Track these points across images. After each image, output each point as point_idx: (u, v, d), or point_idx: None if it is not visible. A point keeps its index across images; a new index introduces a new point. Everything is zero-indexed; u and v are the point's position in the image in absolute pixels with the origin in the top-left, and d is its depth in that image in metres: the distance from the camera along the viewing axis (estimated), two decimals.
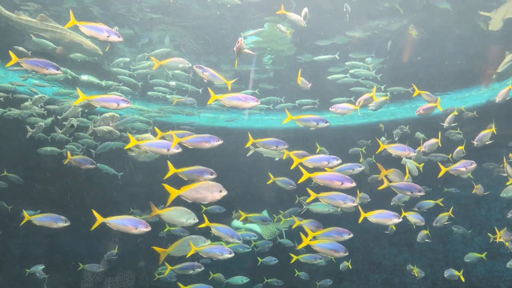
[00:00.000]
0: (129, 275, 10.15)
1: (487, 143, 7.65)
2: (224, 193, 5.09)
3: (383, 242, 13.67)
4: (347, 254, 5.66)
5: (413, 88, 7.51)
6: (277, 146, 6.36)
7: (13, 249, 12.26)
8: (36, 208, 11.30)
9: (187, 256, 6.02)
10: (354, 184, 5.64)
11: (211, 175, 5.33)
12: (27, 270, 9.12)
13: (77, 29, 4.91)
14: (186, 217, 5.46)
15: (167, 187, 4.98)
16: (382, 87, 10.40)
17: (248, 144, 6.79)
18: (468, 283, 12.59)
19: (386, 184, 6.30)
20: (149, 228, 5.05)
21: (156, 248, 5.88)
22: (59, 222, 5.77)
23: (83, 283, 9.77)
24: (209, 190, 5.00)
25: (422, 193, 6.20)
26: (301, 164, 5.97)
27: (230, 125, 14.65)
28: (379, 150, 6.92)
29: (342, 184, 5.60)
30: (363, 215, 5.87)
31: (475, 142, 7.60)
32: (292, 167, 5.97)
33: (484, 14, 9.13)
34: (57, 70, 4.94)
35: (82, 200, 12.53)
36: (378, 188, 6.64)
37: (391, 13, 9.18)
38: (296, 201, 9.34)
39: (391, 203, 8.29)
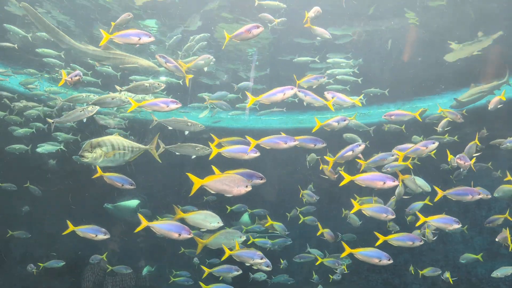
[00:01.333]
0: (130, 274, 10.18)
1: (475, 155, 7.69)
2: (249, 188, 4.97)
3: (383, 242, 13.66)
4: (391, 261, 5.64)
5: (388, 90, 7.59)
6: (315, 145, 6.16)
7: (13, 249, 12.27)
8: (38, 208, 11.38)
9: (222, 260, 6.03)
10: (396, 183, 5.56)
11: (261, 179, 5.30)
12: (40, 264, 9.14)
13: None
14: (211, 220, 5.46)
15: (191, 176, 4.85)
16: (359, 80, 10.43)
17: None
18: (468, 284, 12.62)
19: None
20: (191, 235, 5.04)
21: (196, 238, 5.80)
22: (99, 234, 5.88)
23: (84, 282, 9.80)
24: (236, 183, 4.89)
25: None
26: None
27: (231, 125, 14.69)
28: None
29: (384, 183, 5.54)
30: (422, 219, 5.99)
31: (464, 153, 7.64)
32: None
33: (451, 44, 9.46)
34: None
35: (83, 200, 12.55)
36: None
37: (394, 13, 9.20)
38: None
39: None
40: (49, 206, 11.31)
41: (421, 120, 7.78)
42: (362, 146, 6.10)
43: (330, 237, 8.89)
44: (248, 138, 5.51)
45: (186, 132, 7.40)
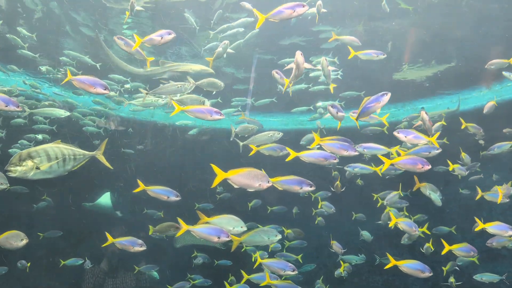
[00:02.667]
0: (130, 276, 10.16)
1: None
2: (270, 184, 4.97)
3: (384, 243, 13.64)
4: (431, 274, 5.72)
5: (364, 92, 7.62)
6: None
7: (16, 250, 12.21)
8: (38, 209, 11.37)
9: (254, 267, 6.02)
10: (430, 166, 5.63)
11: (311, 187, 5.30)
12: (61, 261, 9.19)
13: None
14: (234, 225, 5.46)
15: (215, 168, 4.84)
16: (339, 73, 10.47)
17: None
18: (469, 284, 12.56)
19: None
20: (230, 238, 5.08)
21: (232, 237, 5.73)
22: (135, 246, 5.96)
23: (84, 283, 9.78)
24: (259, 178, 4.86)
25: None
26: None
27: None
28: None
29: (423, 167, 5.58)
30: (481, 225, 6.14)
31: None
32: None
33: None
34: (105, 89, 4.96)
35: (84, 200, 12.57)
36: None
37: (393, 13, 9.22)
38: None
39: (385, 203, 8.33)
40: (50, 208, 11.29)
41: (388, 125, 7.83)
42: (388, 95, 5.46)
43: (338, 249, 8.98)
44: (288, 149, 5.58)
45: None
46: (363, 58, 6.96)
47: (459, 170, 7.88)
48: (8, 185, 5.23)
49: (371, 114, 5.56)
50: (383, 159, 5.77)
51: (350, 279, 13.66)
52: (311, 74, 10.02)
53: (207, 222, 5.34)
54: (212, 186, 4.98)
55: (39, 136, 10.44)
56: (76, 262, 9.27)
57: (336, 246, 8.94)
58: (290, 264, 5.89)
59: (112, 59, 10.04)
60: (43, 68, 10.63)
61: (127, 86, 10.46)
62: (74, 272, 9.98)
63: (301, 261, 9.47)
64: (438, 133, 6.18)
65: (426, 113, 6.28)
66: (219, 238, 4.99)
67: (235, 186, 4.90)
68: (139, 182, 5.83)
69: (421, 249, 8.68)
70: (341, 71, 10.53)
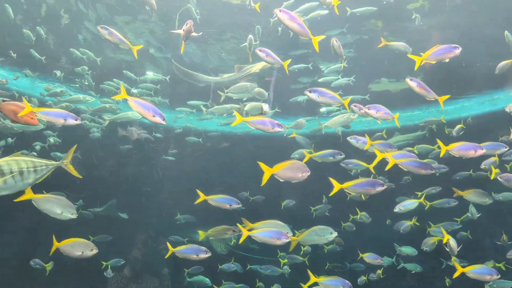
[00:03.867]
0: (153, 281, 10.25)
1: None
2: (309, 173, 5.14)
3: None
4: (499, 277, 5.81)
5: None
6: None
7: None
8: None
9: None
10: (484, 150, 5.81)
11: (382, 186, 5.50)
12: (103, 262, 9.36)
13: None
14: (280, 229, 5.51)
15: (262, 165, 5.03)
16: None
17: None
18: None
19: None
20: (289, 239, 5.26)
21: (291, 237, 5.78)
22: (200, 253, 5.87)
23: None
24: (300, 170, 5.07)
25: None
26: None
27: (255, 132, 14.71)
28: None
29: (476, 152, 5.77)
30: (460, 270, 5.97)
31: None
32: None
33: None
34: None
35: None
36: None
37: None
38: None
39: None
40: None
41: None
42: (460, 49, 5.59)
43: (374, 260, 8.85)
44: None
45: None
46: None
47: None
48: (77, 214, 5.19)
49: (440, 59, 5.52)
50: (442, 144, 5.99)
51: (375, 285, 13.50)
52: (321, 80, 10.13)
53: (251, 229, 5.43)
54: (262, 184, 5.05)
55: (51, 139, 10.69)
56: (118, 262, 9.42)
57: (370, 258, 8.60)
58: (346, 281, 5.98)
59: (186, 72, 10.32)
60: (58, 73, 10.82)
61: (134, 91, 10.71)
62: (98, 278, 10.14)
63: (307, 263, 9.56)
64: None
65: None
66: (280, 240, 5.14)
67: (281, 180, 5.08)
68: (199, 192, 5.89)
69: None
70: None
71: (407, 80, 5.56)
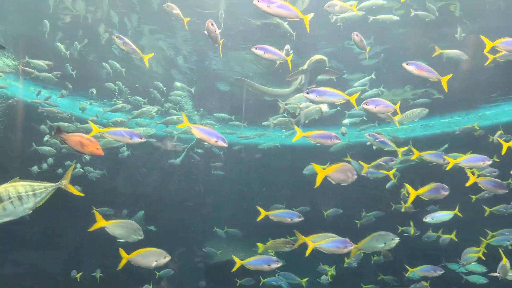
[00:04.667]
0: None
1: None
2: (356, 176, 5.35)
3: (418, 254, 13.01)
4: None
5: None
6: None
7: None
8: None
9: None
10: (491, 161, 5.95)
11: (446, 191, 5.81)
12: (157, 272, 9.58)
13: None
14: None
15: (316, 166, 5.22)
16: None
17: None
18: None
19: None
20: (354, 246, 5.37)
21: (355, 245, 5.73)
22: (272, 263, 5.81)
23: None
24: (350, 172, 5.27)
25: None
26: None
27: (294, 143, 14.72)
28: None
29: (484, 163, 5.94)
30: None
31: None
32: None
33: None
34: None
35: (154, 220, 13.13)
36: None
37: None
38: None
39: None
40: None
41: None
42: None
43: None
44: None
45: None
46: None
47: None
48: (143, 236, 5.36)
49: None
50: (449, 158, 5.96)
51: None
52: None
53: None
54: (316, 186, 5.18)
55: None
56: (169, 273, 9.65)
57: (425, 271, 8.03)
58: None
59: (258, 87, 10.57)
60: (94, 91, 11.19)
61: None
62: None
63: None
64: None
65: None
66: (346, 248, 5.27)
67: (333, 182, 5.24)
68: (260, 209, 5.97)
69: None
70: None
71: (403, 65, 5.49)
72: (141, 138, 5.03)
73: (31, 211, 4.68)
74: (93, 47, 10.41)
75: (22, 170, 11.17)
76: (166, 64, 11.18)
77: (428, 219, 6.76)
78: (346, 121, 11.06)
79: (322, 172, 5.11)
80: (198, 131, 4.90)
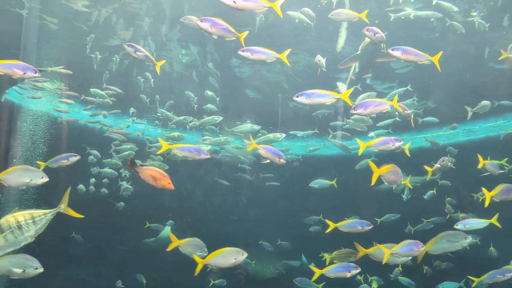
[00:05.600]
0: None
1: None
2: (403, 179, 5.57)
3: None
4: None
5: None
6: None
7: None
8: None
9: None
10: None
11: None
12: (212, 280, 9.84)
13: None
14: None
15: (372, 164, 5.42)
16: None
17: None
18: None
19: None
20: (423, 248, 5.45)
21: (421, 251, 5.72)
22: (352, 270, 5.79)
23: None
24: (400, 175, 5.46)
25: None
26: None
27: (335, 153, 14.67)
28: None
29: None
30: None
31: None
32: None
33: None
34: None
35: (197, 234, 13.40)
36: None
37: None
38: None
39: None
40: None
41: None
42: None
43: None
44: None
45: None
46: None
47: None
48: (207, 252, 5.45)
49: None
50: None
51: None
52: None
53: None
54: (371, 184, 5.36)
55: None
56: (222, 283, 9.88)
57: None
58: None
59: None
60: (132, 110, 11.54)
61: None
62: None
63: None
64: None
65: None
66: (418, 250, 5.32)
67: (386, 183, 5.43)
68: (329, 222, 6.07)
69: None
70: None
71: (390, 51, 5.33)
72: (206, 155, 5.19)
73: (33, 239, 4.69)
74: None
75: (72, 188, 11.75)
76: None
77: (459, 225, 6.27)
78: (371, 134, 11.05)
79: (377, 171, 5.30)
80: (265, 151, 5.28)
